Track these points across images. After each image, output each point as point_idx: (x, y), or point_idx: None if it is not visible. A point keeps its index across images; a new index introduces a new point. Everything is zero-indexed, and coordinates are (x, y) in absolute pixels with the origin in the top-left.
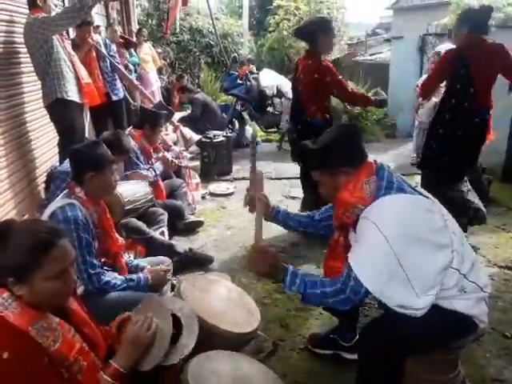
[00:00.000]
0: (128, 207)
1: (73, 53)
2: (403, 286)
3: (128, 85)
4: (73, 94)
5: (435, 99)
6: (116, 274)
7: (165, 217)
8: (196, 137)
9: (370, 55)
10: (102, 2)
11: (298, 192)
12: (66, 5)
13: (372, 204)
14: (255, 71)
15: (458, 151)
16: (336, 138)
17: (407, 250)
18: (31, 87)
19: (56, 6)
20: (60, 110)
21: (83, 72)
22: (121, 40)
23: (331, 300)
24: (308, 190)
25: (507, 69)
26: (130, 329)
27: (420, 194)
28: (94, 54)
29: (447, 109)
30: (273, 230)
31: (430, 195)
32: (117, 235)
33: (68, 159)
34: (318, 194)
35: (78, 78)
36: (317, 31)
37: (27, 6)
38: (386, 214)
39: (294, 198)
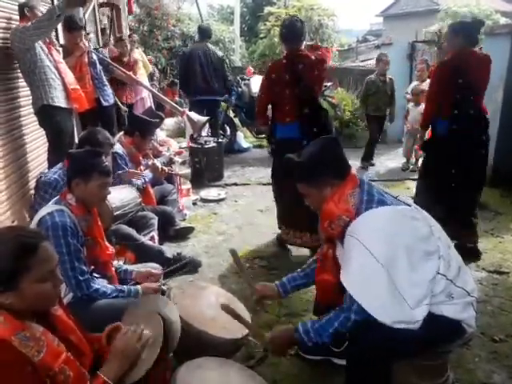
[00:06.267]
0: (116, 213)
1: (58, 59)
2: (397, 302)
3: (127, 79)
4: (59, 100)
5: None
6: (105, 283)
7: (155, 221)
8: (203, 118)
9: (361, 61)
10: (88, 9)
11: None
12: None
13: (355, 220)
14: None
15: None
16: (321, 150)
17: (397, 264)
18: (25, 92)
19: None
20: (47, 116)
21: (70, 78)
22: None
23: (344, 331)
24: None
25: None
26: (120, 339)
27: (403, 202)
28: (86, 59)
29: (452, 120)
30: (261, 242)
31: (412, 203)
32: (107, 243)
33: (54, 168)
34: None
35: (64, 84)
36: None
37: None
38: (371, 230)
39: None
